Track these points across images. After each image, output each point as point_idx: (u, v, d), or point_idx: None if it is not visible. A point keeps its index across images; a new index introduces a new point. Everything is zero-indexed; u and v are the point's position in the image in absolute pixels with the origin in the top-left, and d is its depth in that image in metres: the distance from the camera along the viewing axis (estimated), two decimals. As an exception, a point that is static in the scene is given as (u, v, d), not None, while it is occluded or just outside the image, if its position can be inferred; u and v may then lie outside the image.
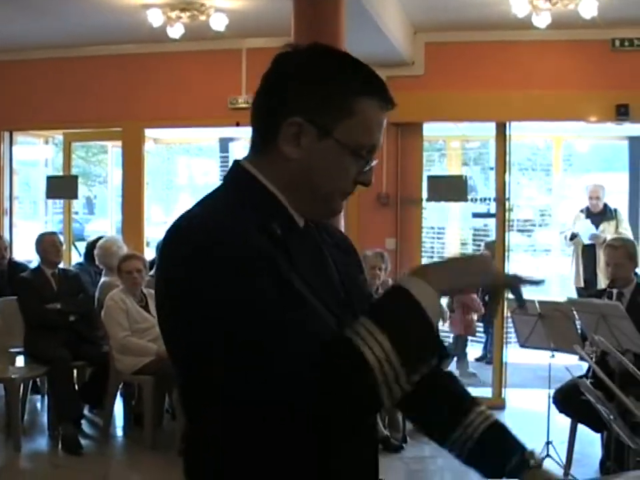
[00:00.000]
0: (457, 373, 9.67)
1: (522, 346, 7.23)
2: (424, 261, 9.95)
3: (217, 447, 1.94)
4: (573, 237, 10.73)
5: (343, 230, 6.36)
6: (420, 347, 1.74)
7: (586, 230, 10.65)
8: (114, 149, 12.26)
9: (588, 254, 10.58)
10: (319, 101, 1.88)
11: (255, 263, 1.76)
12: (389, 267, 8.10)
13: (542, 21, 7.75)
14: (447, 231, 11.92)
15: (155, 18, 8.01)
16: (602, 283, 9.73)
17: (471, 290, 1.97)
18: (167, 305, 1.89)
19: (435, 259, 11.33)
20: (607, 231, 10.37)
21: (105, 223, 13.47)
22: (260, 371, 1.73)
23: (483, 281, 1.88)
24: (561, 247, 12.45)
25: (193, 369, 1.88)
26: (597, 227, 10.60)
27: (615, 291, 6.65)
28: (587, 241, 10.61)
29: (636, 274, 6.73)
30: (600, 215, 10.56)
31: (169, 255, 1.87)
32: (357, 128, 1.90)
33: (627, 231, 10.37)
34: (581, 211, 10.86)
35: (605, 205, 10.58)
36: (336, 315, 1.93)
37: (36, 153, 11.62)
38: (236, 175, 1.99)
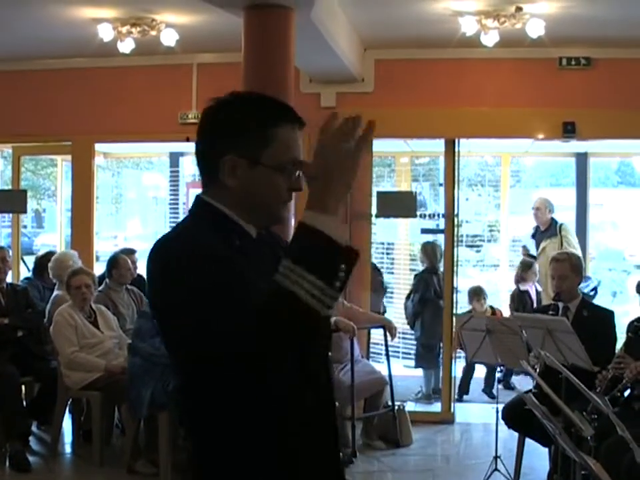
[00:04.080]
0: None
1: (470, 361, 7.31)
2: (373, 276, 9.98)
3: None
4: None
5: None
6: (330, 262, 2.10)
7: (531, 249, 10.80)
8: (64, 163, 12.20)
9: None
10: (243, 139, 2.36)
11: (218, 261, 2.23)
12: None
13: (490, 39, 7.85)
14: (396, 246, 11.96)
15: (106, 33, 7.98)
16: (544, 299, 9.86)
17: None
18: (160, 310, 2.37)
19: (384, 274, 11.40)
20: (549, 249, 10.48)
21: (54, 237, 13.35)
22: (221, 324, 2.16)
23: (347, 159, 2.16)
24: (509, 262, 12.59)
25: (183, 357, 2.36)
26: (537, 246, 10.73)
27: (560, 305, 6.73)
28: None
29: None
30: (547, 231, 10.67)
31: (154, 269, 2.34)
32: (277, 151, 2.37)
33: (572, 248, 10.48)
34: (533, 227, 11.01)
35: (552, 220, 10.69)
36: None
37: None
38: (198, 206, 2.47)
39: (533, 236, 10.94)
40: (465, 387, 9.86)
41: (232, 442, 2.33)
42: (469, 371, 9.90)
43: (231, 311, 2.16)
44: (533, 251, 10.83)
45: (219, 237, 2.33)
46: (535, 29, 7.62)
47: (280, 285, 2.09)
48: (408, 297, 10.17)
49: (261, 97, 2.47)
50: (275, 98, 2.46)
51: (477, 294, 9.69)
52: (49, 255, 9.11)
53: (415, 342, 10.34)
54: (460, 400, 9.58)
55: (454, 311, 9.22)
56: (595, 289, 10.48)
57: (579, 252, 10.35)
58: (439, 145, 9.59)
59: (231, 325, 2.15)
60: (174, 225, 2.58)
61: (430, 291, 9.82)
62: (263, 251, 2.46)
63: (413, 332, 10.38)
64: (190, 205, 2.60)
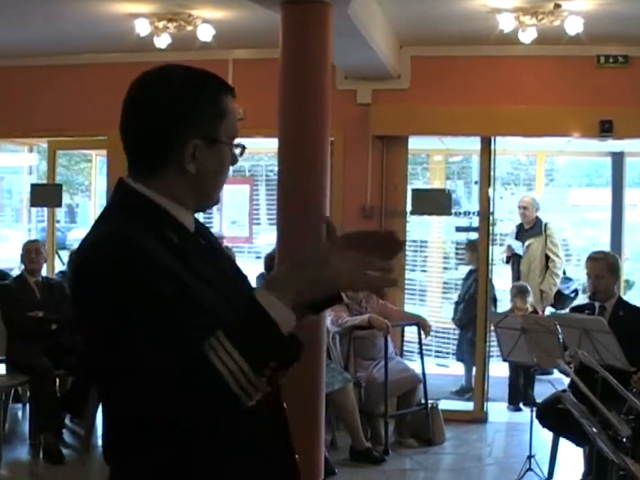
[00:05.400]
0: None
1: (504, 360, 7.27)
2: (406, 274, 9.97)
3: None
4: (508, 260, 10.84)
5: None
6: (265, 351, 1.94)
7: (516, 248, 10.74)
8: (98, 158, 12.25)
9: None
10: (200, 118, 2.16)
11: (157, 268, 1.98)
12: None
13: (528, 36, 7.79)
14: (429, 244, 11.93)
15: (142, 28, 7.99)
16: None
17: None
18: (77, 318, 2.08)
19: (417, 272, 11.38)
20: (533, 247, 10.49)
21: (86, 232, 13.40)
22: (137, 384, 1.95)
23: (327, 277, 1.99)
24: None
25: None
26: (523, 243, 10.69)
27: (597, 304, 6.68)
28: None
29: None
30: (530, 230, 10.65)
31: (81, 271, 2.06)
32: (228, 124, 2.20)
33: (555, 247, 10.47)
34: (516, 226, 10.97)
35: (537, 219, 10.66)
36: (231, 299, 2.13)
37: (19, 161, 11.58)
38: (125, 195, 2.20)
39: (517, 236, 10.85)
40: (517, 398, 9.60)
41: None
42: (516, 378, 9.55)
43: (164, 351, 1.92)
44: (519, 251, 10.74)
45: (152, 233, 2.08)
46: (573, 26, 7.55)
47: (206, 356, 1.92)
48: (461, 299, 10.08)
49: (196, 70, 2.23)
50: (204, 70, 2.24)
51: (520, 292, 9.56)
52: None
53: (456, 339, 10.33)
54: (517, 409, 9.44)
55: (494, 309, 9.20)
56: (575, 290, 10.47)
57: (561, 252, 10.59)
58: (472, 143, 9.56)
59: (157, 368, 1.92)
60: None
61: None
62: (204, 250, 2.26)
63: (454, 330, 10.39)
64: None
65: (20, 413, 8.95)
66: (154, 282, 1.96)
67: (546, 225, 10.60)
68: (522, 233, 10.80)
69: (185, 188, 2.18)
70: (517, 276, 10.66)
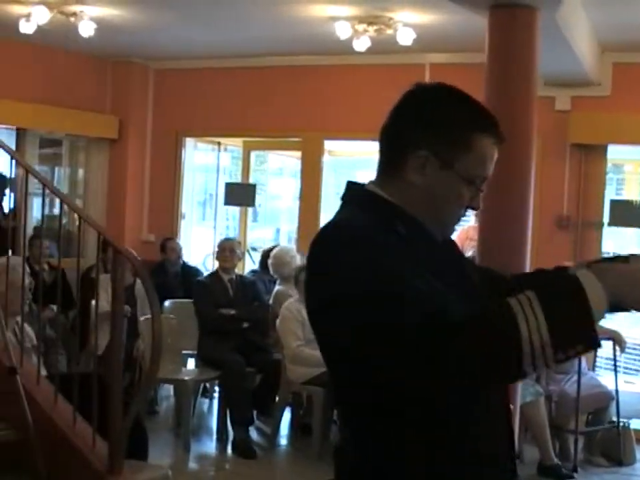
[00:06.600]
0: None
1: None
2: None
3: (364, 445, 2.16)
4: None
5: (521, 252, 6.28)
6: (573, 333, 1.88)
7: None
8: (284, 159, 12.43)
9: None
10: (443, 138, 2.17)
11: (388, 249, 2.04)
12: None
13: None
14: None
15: (343, 31, 8.04)
16: None
17: None
18: (315, 299, 2.15)
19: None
20: None
21: (267, 232, 13.60)
22: (410, 328, 1.91)
23: None
24: None
25: (344, 364, 2.13)
26: None
27: None
28: None
29: None
30: None
31: (318, 253, 2.12)
32: (474, 162, 2.18)
33: None
34: None
35: None
36: (461, 295, 2.13)
37: (212, 159, 11.83)
38: (357, 195, 2.26)
39: None
40: None
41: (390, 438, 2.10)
42: None
43: (408, 306, 1.93)
44: None
45: (381, 222, 2.12)
46: None
47: (509, 306, 1.89)
48: None
49: (471, 100, 2.24)
50: (482, 105, 2.25)
51: None
52: (274, 249, 9.23)
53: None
54: None
55: None
56: None
57: None
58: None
59: (413, 318, 1.90)
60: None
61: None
62: (434, 247, 2.24)
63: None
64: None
65: (206, 407, 9.12)
66: (389, 257, 2.02)
67: None
68: None
69: (409, 199, 2.20)
70: None
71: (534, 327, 1.84)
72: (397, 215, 2.18)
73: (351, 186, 2.30)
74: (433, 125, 2.18)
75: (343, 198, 2.29)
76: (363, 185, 2.27)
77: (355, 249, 2.03)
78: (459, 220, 2.29)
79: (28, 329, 6.00)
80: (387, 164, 2.25)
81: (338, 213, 2.25)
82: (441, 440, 2.09)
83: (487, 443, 2.17)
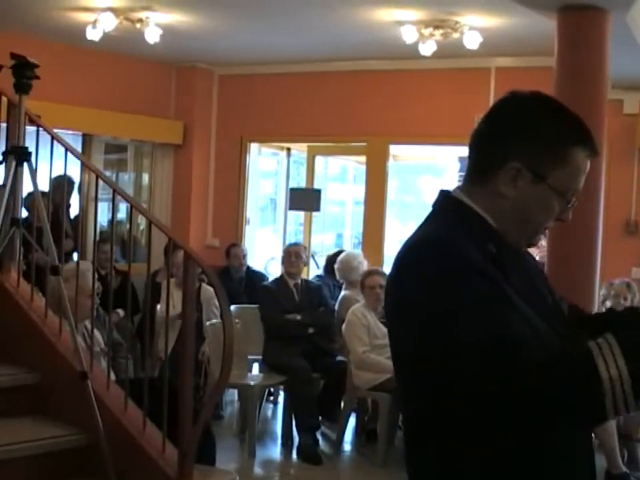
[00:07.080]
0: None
1: None
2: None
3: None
4: None
5: (590, 262, 6.19)
6: None
7: None
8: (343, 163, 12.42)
9: None
10: (537, 151, 2.11)
11: (479, 271, 1.99)
12: (637, 296, 7.79)
13: None
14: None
15: (409, 35, 8.01)
16: None
17: None
18: (397, 313, 2.10)
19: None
20: None
21: (327, 237, 13.58)
22: (505, 364, 1.88)
23: None
24: None
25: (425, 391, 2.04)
26: None
27: None
28: None
29: None
30: None
31: (406, 266, 2.11)
32: (568, 175, 2.13)
33: None
34: None
35: None
36: (553, 327, 2.13)
37: (276, 164, 11.87)
38: (447, 203, 2.21)
39: None
40: None
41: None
42: None
43: (501, 336, 1.91)
44: None
45: (474, 242, 2.07)
46: None
47: (588, 350, 1.86)
48: None
49: (568, 112, 2.16)
50: (579, 117, 2.16)
51: None
52: (340, 254, 9.22)
53: None
54: None
55: None
56: None
57: None
58: None
59: (504, 351, 1.89)
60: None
61: None
62: (523, 268, 2.23)
63: None
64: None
65: (270, 412, 9.13)
66: (477, 280, 1.99)
67: None
68: None
69: (497, 211, 2.16)
70: None
71: (615, 376, 1.83)
72: (487, 232, 2.15)
73: (443, 194, 2.25)
74: (531, 137, 2.12)
75: (434, 206, 2.26)
76: (449, 193, 2.24)
77: (455, 285, 1.98)
78: (545, 231, 2.24)
79: (96, 333, 6.03)
80: (476, 172, 2.20)
81: (429, 222, 2.21)
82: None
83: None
